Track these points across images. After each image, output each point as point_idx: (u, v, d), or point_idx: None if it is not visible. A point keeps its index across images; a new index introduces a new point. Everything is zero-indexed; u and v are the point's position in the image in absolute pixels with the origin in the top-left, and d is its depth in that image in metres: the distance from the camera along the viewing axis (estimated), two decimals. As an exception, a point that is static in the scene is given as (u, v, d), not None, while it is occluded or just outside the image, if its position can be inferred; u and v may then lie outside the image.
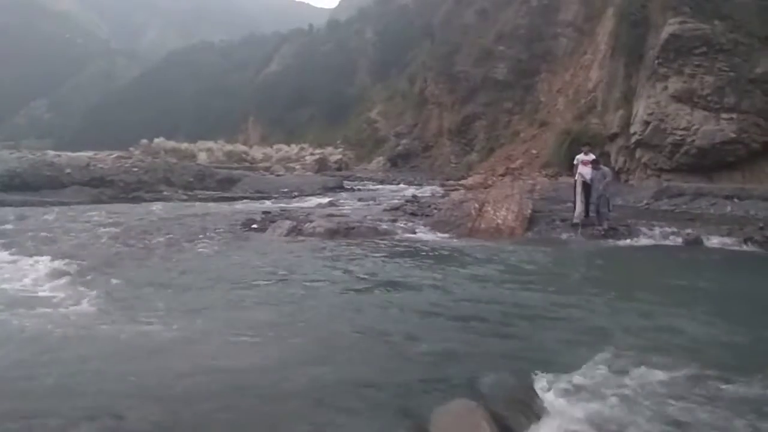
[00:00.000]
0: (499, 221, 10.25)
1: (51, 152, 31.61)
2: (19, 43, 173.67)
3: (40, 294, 5.61)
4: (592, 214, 10.84)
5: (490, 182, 20.12)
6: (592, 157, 11.20)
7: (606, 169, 11.45)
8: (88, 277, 6.38)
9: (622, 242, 9.94)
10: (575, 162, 11.38)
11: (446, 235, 10.24)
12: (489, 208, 10.59)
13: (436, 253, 8.44)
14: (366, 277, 6.71)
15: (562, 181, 19.16)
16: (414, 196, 17.85)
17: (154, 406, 3.07)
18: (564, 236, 10.32)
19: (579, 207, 10.94)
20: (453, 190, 19.36)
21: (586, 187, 10.86)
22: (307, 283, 6.37)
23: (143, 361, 3.83)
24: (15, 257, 7.39)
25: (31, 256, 7.49)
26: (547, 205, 12.77)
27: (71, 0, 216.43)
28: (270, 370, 3.67)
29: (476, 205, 10.82)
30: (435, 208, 12.65)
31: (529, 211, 11.10)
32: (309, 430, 2.66)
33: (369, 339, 4.30)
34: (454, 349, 4.08)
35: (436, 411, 2.84)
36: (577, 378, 3.64)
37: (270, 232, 10.65)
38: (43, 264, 7.07)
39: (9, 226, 10.62)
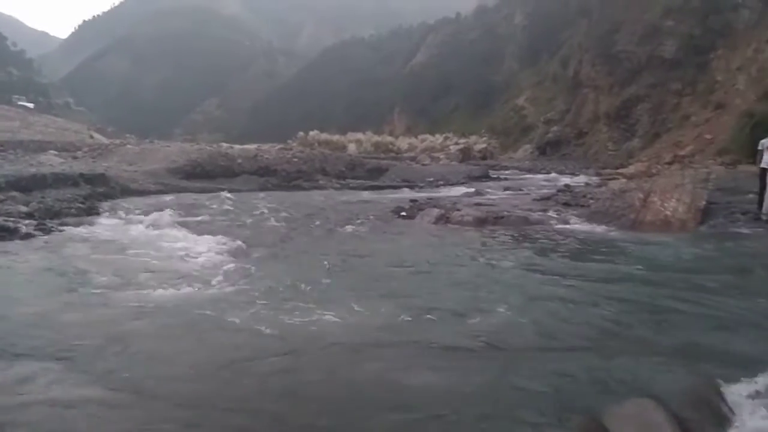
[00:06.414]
0: (668, 213, 9.33)
1: (224, 144, 35.31)
2: (194, 47, 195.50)
3: (213, 270, 6.23)
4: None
5: (654, 171, 18.43)
6: (781, 141, 9.75)
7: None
8: (256, 256, 7.02)
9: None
10: (759, 148, 9.99)
11: (605, 227, 9.57)
12: (656, 199, 9.69)
13: (596, 246, 7.93)
14: (520, 266, 6.52)
15: (741, 169, 16.98)
16: (566, 186, 16.94)
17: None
18: (746, 231, 9.10)
19: (766, 199, 9.61)
20: (611, 179, 18.06)
21: (774, 176, 9.50)
22: (462, 270, 6.36)
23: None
24: (196, 236, 8.30)
25: (209, 234, 8.36)
26: (724, 196, 11.34)
27: (237, 4, 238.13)
28: (432, 358, 3.73)
29: (641, 195, 9.96)
30: (591, 199, 11.88)
31: (703, 202, 9.95)
32: (477, 422, 2.64)
33: (530, 332, 4.16)
34: (624, 346, 3.80)
35: (611, 408, 2.66)
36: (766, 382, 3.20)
37: (419, 219, 10.82)
38: (218, 242, 7.87)
39: (192, 210, 12.03)
